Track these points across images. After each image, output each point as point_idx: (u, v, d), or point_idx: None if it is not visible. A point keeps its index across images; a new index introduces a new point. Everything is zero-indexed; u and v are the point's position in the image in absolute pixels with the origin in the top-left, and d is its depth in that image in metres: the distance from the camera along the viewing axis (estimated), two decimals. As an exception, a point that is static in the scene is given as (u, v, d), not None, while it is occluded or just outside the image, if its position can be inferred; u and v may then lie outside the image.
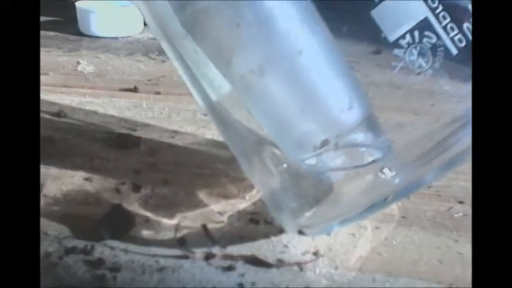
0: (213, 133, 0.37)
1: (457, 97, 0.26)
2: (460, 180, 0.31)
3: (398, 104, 0.27)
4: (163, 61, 0.51)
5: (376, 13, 0.25)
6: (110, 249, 0.26)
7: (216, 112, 0.28)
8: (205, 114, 0.40)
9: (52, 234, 0.27)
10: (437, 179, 0.29)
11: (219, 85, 0.27)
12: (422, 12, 0.25)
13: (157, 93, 0.44)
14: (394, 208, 0.29)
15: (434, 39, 0.25)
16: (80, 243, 0.27)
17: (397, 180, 0.26)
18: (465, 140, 0.25)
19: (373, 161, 0.26)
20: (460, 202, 0.30)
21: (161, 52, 0.53)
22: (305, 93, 0.25)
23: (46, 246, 0.26)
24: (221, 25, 0.26)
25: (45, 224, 0.28)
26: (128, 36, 0.58)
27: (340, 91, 0.26)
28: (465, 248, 0.27)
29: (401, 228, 0.28)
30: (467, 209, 0.29)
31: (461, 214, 0.29)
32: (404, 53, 0.25)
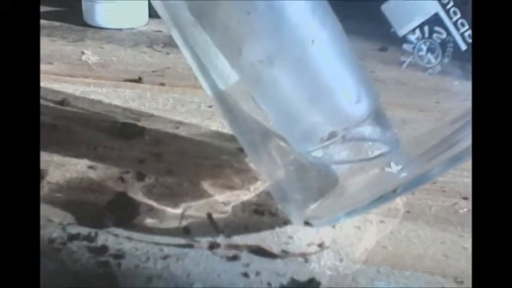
0: (217, 125, 0.37)
1: (462, 95, 0.26)
2: (465, 176, 0.31)
3: (404, 101, 0.27)
4: (167, 53, 0.51)
5: (387, 7, 0.25)
6: (113, 237, 0.26)
7: (224, 101, 0.28)
8: (210, 106, 0.40)
9: (56, 220, 0.27)
10: (443, 174, 0.29)
11: (227, 75, 0.27)
12: (433, 7, 0.25)
13: (162, 84, 0.44)
14: (399, 203, 0.29)
15: (444, 35, 0.25)
16: (84, 230, 0.26)
17: (403, 175, 0.26)
18: (470, 137, 0.25)
19: (380, 155, 0.26)
20: (465, 198, 0.30)
21: (166, 44, 0.53)
22: (314, 84, 0.25)
23: (49, 232, 0.26)
24: (231, 13, 0.25)
25: (48, 210, 0.28)
26: (133, 28, 0.58)
27: (349, 84, 0.26)
28: (470, 243, 0.26)
29: (406, 222, 0.28)
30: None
31: (465, 210, 0.29)
32: (414, 48, 0.25)
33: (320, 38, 0.25)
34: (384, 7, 0.25)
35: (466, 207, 0.29)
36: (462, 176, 0.31)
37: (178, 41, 0.28)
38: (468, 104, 0.25)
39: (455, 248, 0.26)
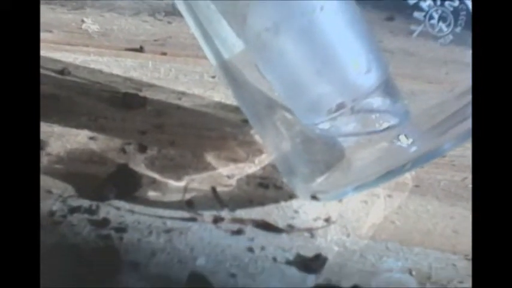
0: (220, 96, 0.36)
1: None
2: (475, 150, 0.31)
3: (412, 72, 0.26)
4: (169, 22, 0.50)
5: (398, -26, 0.24)
6: (115, 210, 0.26)
7: (228, 71, 0.27)
8: (213, 77, 0.39)
9: (56, 192, 0.27)
10: (454, 149, 0.28)
11: (231, 43, 0.26)
12: None
13: (164, 53, 0.43)
14: (407, 177, 0.29)
15: (456, 3, 0.24)
16: (85, 203, 0.26)
17: (413, 149, 0.25)
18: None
19: (389, 127, 0.26)
20: (475, 173, 0.29)
21: (168, 13, 0.52)
22: (322, 53, 0.24)
23: (50, 204, 0.26)
24: None
25: (48, 182, 0.27)
26: (134, -4, 0.56)
27: (359, 53, 0.25)
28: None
29: (415, 197, 0.27)
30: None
31: (476, 185, 0.28)
32: (425, 16, 0.24)
33: (329, 5, 0.24)
34: None
35: (476, 182, 0.29)
36: (472, 150, 0.31)
37: (182, 8, 0.27)
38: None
39: (465, 223, 0.26)
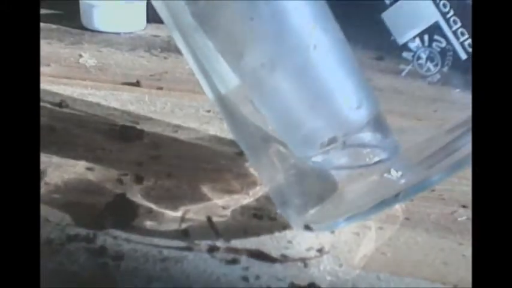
0: (216, 129, 0.37)
1: (460, 104, 0.26)
2: (464, 184, 0.31)
3: (401, 109, 0.27)
4: (165, 58, 0.51)
5: (387, 15, 0.25)
6: (112, 238, 0.26)
7: (224, 105, 0.28)
8: (208, 111, 0.40)
9: (53, 221, 0.27)
10: (441, 182, 0.29)
11: (228, 79, 0.27)
12: (433, 16, 0.25)
13: (160, 88, 0.44)
14: (398, 210, 0.29)
15: (444, 44, 0.25)
16: (82, 231, 0.26)
17: (402, 181, 0.26)
18: (469, 145, 0.25)
19: (379, 161, 0.26)
20: (464, 206, 0.30)
21: (164, 49, 0.53)
22: (315, 89, 0.25)
23: (47, 232, 0.26)
24: (234, 18, 0.25)
25: (46, 211, 0.28)
26: (131, 32, 0.58)
27: (350, 89, 0.26)
28: (469, 250, 0.26)
29: (405, 229, 0.28)
30: (471, 213, 0.29)
31: (464, 218, 0.29)
32: (413, 56, 0.25)
33: (322, 44, 0.25)
34: (385, 15, 0.25)
35: (465, 215, 0.29)
36: (461, 184, 0.31)
37: (180, 44, 0.28)
38: (467, 112, 0.25)
39: (455, 255, 0.26)
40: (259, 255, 0.26)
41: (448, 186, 0.31)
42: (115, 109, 0.39)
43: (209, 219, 0.27)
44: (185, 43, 0.28)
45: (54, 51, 0.51)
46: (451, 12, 0.25)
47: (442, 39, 0.25)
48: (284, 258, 0.25)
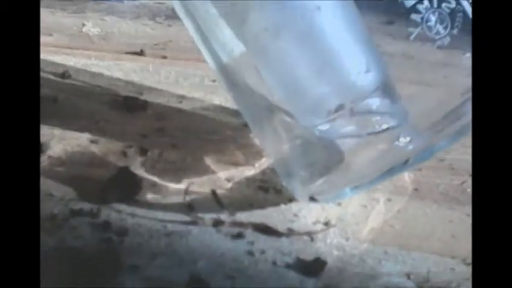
0: (221, 99, 0.36)
1: (469, 69, 0.25)
2: (474, 154, 0.31)
3: (411, 75, 0.26)
4: (170, 25, 0.50)
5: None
6: (116, 213, 0.26)
7: (227, 75, 0.27)
8: (213, 80, 0.39)
9: (57, 195, 0.27)
10: (451, 152, 0.28)
11: (230, 46, 0.26)
12: None
13: (164, 57, 0.43)
14: (407, 181, 0.29)
15: (453, 4, 0.24)
16: (86, 206, 0.26)
17: (410, 147, 0.25)
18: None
19: (388, 129, 0.26)
20: (473, 176, 0.29)
21: (168, 17, 0.52)
22: (321, 54, 0.25)
23: (51, 207, 0.26)
24: None
25: (49, 185, 0.27)
26: (134, 0, 0.56)
27: (358, 53, 0.25)
28: (479, 222, 0.26)
29: (414, 201, 0.28)
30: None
31: (474, 188, 0.29)
32: (422, 18, 0.24)
33: (327, 7, 0.24)
34: None
35: (474, 186, 0.29)
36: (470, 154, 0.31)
37: (180, 11, 0.27)
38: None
39: (464, 227, 0.26)
40: (264, 229, 0.25)
41: (458, 155, 0.31)
42: (118, 79, 0.39)
43: (214, 192, 0.27)
44: (185, 10, 0.27)
45: (57, 20, 0.50)
46: (461, -29, 0.24)
47: (452, 0, 0.24)
48: (290, 232, 0.25)
